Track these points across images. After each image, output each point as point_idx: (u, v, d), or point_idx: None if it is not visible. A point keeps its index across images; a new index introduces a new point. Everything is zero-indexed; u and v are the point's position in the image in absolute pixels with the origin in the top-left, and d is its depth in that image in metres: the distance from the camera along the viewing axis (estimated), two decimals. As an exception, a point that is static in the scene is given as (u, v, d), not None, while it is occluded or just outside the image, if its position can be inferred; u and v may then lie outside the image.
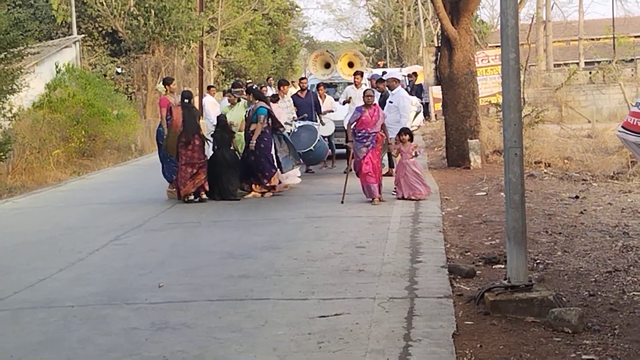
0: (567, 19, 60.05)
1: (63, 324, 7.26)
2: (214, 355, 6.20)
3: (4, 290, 8.61)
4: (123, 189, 17.71)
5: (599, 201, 13.31)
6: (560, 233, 10.63)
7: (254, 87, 16.78)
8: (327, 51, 21.24)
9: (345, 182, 14.01)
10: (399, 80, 15.03)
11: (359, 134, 13.81)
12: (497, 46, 29.23)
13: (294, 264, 9.31)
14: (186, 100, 15.12)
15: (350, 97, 17.79)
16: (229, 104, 16.60)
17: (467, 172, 17.61)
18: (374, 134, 13.72)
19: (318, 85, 19.34)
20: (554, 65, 50.71)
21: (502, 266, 8.67)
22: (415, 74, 35.24)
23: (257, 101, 15.04)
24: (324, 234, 11.14)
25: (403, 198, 13.66)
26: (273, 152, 15.07)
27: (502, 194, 13.09)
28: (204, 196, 14.75)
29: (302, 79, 19.29)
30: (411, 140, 14.02)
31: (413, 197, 13.59)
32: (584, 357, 5.95)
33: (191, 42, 35.43)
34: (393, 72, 34.86)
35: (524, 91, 20.24)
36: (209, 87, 25.16)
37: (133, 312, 7.54)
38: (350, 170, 14.20)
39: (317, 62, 19.46)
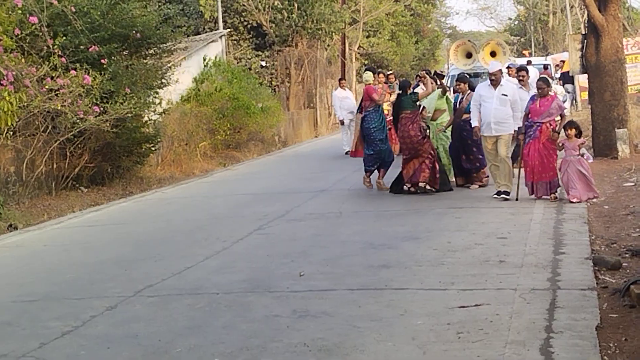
0: None
1: (208, 310, 7.49)
2: (353, 343, 6.26)
3: (153, 277, 8.95)
4: (267, 180, 18.08)
5: None
6: None
7: (465, 75, 15.81)
8: (468, 40, 20.95)
9: (518, 177, 13.00)
10: (501, 72, 13.86)
11: (527, 124, 12.98)
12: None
13: (434, 254, 9.29)
14: (399, 92, 15.01)
15: None
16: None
17: (614, 162, 17.11)
18: (538, 124, 12.72)
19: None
20: None
21: (650, 258, 8.42)
22: (562, 62, 34.45)
23: (470, 91, 14.52)
24: (464, 224, 11.07)
25: (570, 202, 12.37)
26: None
27: (651, 184, 12.69)
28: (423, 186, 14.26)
29: None
30: (579, 135, 12.73)
31: (573, 200, 12.36)
32: None
33: (333, 34, 35.67)
34: (539, 61, 34.36)
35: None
36: (340, 80, 25.34)
37: (275, 299, 7.70)
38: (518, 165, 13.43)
39: (458, 51, 19.23)
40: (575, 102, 32.92)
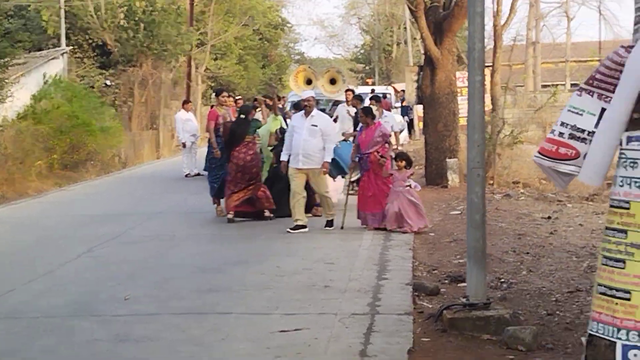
0: (556, 40, 60.46)
1: (27, 334, 7.36)
2: (172, 367, 6.31)
3: (-28, 300, 8.70)
4: (103, 201, 17.81)
5: (571, 222, 13.48)
6: (527, 253, 10.79)
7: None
8: (309, 67, 21.20)
9: (345, 205, 13.22)
10: (314, 99, 13.25)
11: (358, 156, 12.95)
12: (487, 66, 29.39)
13: (261, 278, 9.42)
14: (242, 116, 14.27)
15: (337, 116, 17.70)
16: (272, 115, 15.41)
17: (444, 191, 17.78)
18: (366, 155, 12.74)
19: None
20: (542, 86, 51.02)
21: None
22: (403, 91, 35.52)
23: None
24: (295, 250, 11.26)
25: (392, 230, 12.43)
26: None
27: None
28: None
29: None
30: (408, 166, 12.79)
31: (399, 230, 12.40)
32: (533, 375, 6.09)
33: (179, 56, 35.57)
34: (381, 90, 35.30)
35: (503, 112, 20.40)
36: (184, 102, 25.29)
37: (98, 323, 7.63)
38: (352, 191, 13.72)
39: (298, 78, 19.40)
40: (414, 131, 33.96)
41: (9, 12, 31.19)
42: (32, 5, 33.92)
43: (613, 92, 4.27)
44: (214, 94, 15.90)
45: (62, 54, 29.76)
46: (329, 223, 12.98)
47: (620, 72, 4.23)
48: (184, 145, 22.93)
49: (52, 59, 28.82)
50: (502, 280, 9.23)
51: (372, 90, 33.19)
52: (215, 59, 46.93)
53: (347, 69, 70.01)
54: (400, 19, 60.58)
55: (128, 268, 10.24)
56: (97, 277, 9.78)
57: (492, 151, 18.99)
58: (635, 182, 4.08)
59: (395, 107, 31.75)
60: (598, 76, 4.40)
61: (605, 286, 4.22)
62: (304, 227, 12.67)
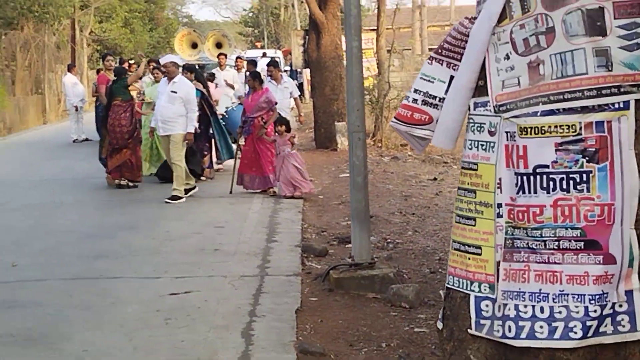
0: (441, 4, 61.48)
1: None
2: (60, 332, 6.29)
3: None
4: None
5: (456, 183, 13.77)
6: (413, 214, 11.07)
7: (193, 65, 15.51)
8: (194, 31, 21.01)
9: (234, 170, 13.07)
10: (179, 66, 12.95)
11: (243, 119, 13.03)
12: (372, 29, 29.55)
13: (151, 243, 9.44)
14: (115, 78, 14.18)
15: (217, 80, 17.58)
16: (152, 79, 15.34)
17: (334, 154, 17.98)
18: (250, 119, 12.78)
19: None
20: (429, 49, 51.77)
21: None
22: (290, 54, 35.42)
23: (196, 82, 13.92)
24: (184, 214, 11.30)
25: (285, 197, 12.29)
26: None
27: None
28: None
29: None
30: (288, 130, 12.62)
31: (296, 195, 12.28)
32: (416, 329, 6.32)
33: (62, 18, 34.72)
34: (271, 54, 35.29)
35: (389, 75, 20.68)
36: (69, 66, 24.80)
37: (-17, 291, 7.54)
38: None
39: (183, 41, 19.13)
40: (303, 94, 34.05)
41: None
42: None
43: (460, 60, 4.51)
44: (101, 58, 15.66)
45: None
46: (173, 197, 12.29)
47: (466, 42, 4.47)
48: (76, 108, 22.40)
49: None
50: (389, 240, 9.46)
51: (264, 54, 33.21)
52: (100, 22, 45.92)
53: (236, 32, 69.54)
54: (288, -19, 60.52)
55: (14, 235, 10.09)
56: (-19, 245, 9.62)
57: (379, 114, 19.28)
58: (482, 144, 4.32)
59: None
60: (446, 46, 4.65)
61: (459, 242, 4.48)
62: (179, 197, 12.30)
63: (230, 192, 12.84)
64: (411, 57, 41.06)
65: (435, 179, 14.31)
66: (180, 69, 12.98)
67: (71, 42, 34.61)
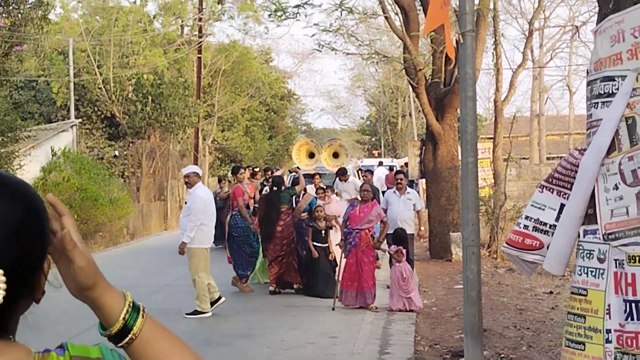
0: (560, 113, 61.16)
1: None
2: None
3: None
4: (110, 273, 17.47)
5: (572, 297, 13.62)
6: (528, 328, 10.95)
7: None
8: (312, 140, 21.36)
9: (336, 288, 12.98)
10: (198, 175, 12.62)
11: (346, 230, 12.78)
12: (489, 138, 29.57)
13: (266, 352, 9.61)
14: (274, 188, 14.49)
15: (338, 191, 17.91)
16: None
17: (448, 265, 17.96)
18: (357, 231, 12.59)
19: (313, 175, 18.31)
20: (547, 158, 51.45)
21: None
22: (406, 164, 35.79)
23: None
24: (299, 322, 11.45)
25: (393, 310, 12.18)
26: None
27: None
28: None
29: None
30: (405, 247, 12.70)
31: (405, 309, 12.13)
32: None
33: (187, 127, 36.09)
34: (387, 162, 35.69)
35: (505, 186, 20.65)
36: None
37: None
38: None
39: (301, 151, 19.39)
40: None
41: (19, 83, 31.79)
42: (41, 78, 34.57)
43: (570, 189, 4.65)
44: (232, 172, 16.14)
45: (72, 127, 30.26)
46: (194, 312, 12.15)
47: (576, 172, 4.61)
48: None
49: (62, 131, 29.31)
50: (502, 355, 9.39)
51: (380, 163, 33.62)
52: (223, 131, 47.43)
53: (354, 140, 70.56)
54: (404, 91, 61.20)
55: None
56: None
57: (494, 225, 19.21)
58: (592, 271, 4.40)
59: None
60: (556, 175, 4.81)
61: (568, 367, 4.54)
62: (201, 312, 12.15)
63: (333, 309, 12.52)
64: (529, 166, 40.85)
65: (551, 292, 14.13)
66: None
67: (194, 150, 35.80)
